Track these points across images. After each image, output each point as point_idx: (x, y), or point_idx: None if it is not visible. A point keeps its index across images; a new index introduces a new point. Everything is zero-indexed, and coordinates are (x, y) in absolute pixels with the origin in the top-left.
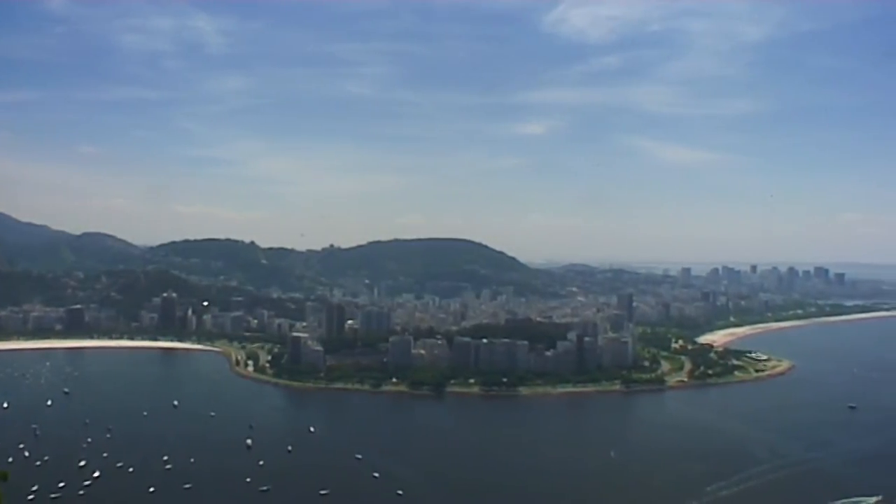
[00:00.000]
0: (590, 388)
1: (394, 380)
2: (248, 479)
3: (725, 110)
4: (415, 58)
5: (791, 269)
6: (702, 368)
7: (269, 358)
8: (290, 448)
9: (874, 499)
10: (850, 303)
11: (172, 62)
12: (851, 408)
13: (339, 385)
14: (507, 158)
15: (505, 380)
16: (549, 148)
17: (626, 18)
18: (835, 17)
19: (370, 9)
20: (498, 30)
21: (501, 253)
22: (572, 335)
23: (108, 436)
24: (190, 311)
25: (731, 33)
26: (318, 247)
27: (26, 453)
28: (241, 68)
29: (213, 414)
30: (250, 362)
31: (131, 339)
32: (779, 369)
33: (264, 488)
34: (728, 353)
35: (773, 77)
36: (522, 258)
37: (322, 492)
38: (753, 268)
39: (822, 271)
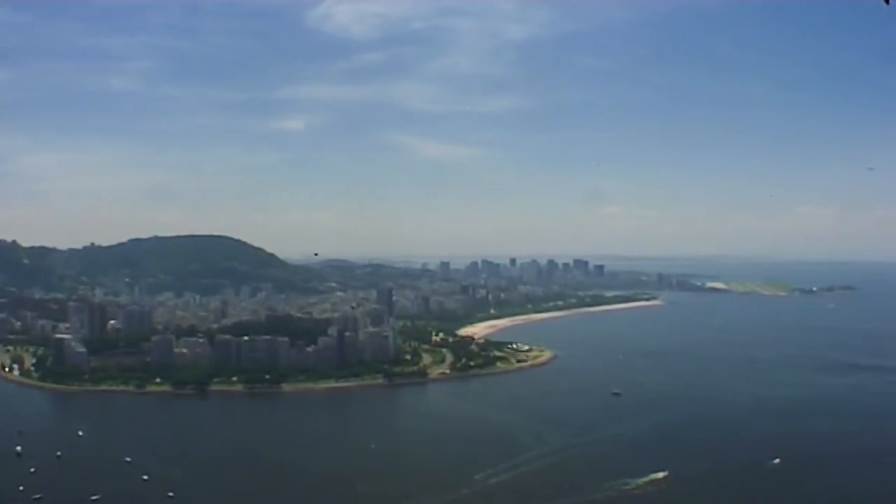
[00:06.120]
0: (352, 383)
1: (157, 380)
2: (21, 488)
3: (487, 107)
4: (180, 53)
5: (551, 262)
6: (463, 360)
7: (34, 361)
8: (59, 454)
9: (661, 474)
10: (610, 293)
11: None
12: (615, 394)
13: (105, 386)
14: (266, 154)
15: (268, 377)
16: (309, 144)
17: (391, 15)
18: (598, 19)
19: (140, 2)
20: (262, 25)
21: (260, 249)
22: (333, 330)
23: None
24: None
25: (496, 32)
26: (79, 245)
27: None
28: (6, 61)
29: None
30: (15, 366)
31: None
32: (541, 359)
33: (37, 496)
34: (489, 344)
35: (536, 76)
36: (281, 254)
37: (93, 497)
38: (513, 261)
39: (581, 263)
